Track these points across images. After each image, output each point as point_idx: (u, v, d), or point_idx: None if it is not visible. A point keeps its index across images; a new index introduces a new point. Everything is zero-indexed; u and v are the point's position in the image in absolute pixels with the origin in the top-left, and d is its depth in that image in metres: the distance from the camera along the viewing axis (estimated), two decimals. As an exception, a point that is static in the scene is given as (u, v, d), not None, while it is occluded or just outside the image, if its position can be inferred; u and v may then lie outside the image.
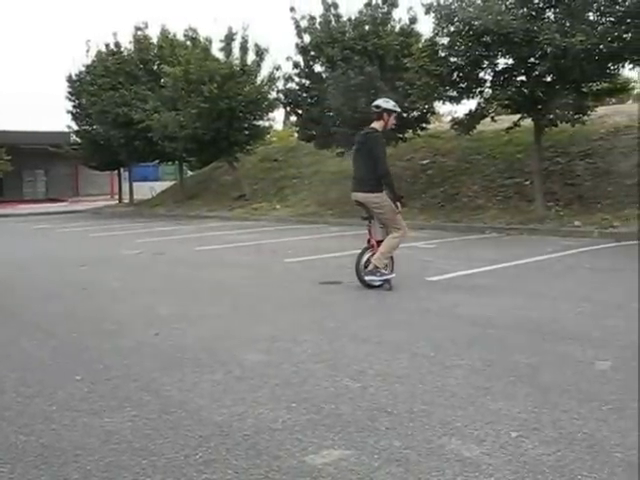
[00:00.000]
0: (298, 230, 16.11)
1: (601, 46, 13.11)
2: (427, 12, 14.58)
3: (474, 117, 15.50)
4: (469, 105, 66.61)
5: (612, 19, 13.12)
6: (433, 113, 19.63)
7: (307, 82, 19.64)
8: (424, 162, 20.07)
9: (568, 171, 16.31)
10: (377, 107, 7.64)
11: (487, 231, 14.30)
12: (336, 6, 18.70)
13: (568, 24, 13.23)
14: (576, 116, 14.65)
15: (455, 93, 15.38)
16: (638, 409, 3.41)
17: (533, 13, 13.82)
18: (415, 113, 18.30)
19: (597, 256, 10.20)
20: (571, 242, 11.75)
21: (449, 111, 49.81)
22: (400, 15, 18.92)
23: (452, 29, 14.40)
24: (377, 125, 7.60)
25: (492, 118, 15.56)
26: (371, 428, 3.35)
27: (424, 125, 18.90)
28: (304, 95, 19.78)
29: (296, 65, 19.48)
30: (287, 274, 8.99)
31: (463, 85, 15.15)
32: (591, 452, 3.02)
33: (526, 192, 16.04)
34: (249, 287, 7.96)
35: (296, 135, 23.19)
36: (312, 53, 19.02)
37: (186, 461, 3.03)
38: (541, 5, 14.13)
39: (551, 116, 14.69)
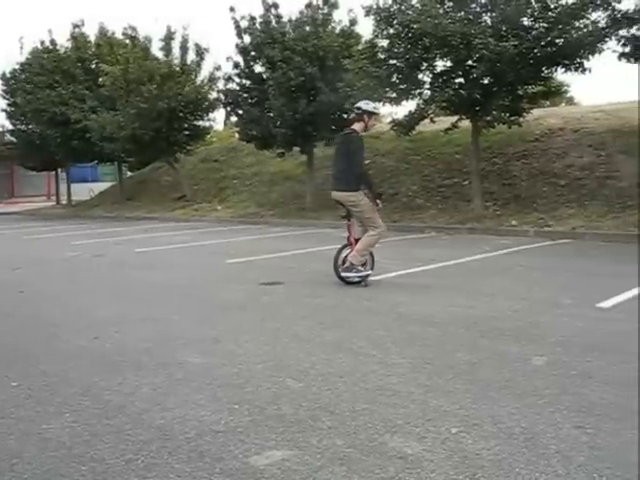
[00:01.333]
0: (239, 231, 16.06)
1: (535, 50, 13.48)
2: (367, 14, 14.71)
3: (413, 118, 15.70)
4: (409, 106, 67.43)
5: (545, 24, 13.48)
6: (373, 114, 19.75)
7: (247, 82, 19.56)
8: (364, 162, 20.16)
9: (505, 171, 16.66)
10: (358, 109, 7.83)
11: (427, 230, 14.49)
12: (276, 7, 18.68)
13: (504, 28, 13.54)
14: (512, 118, 15.03)
15: (395, 94, 15.54)
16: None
17: (470, 17, 14.08)
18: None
19: (533, 255, 10.45)
20: (508, 241, 12.00)
21: (389, 112, 50.28)
22: (340, 17, 18.94)
23: (391, 31, 14.56)
24: (357, 126, 7.79)
25: (431, 119, 15.79)
26: (314, 428, 3.37)
27: (364, 126, 19.01)
28: (244, 95, 19.70)
29: (236, 65, 19.37)
30: (228, 275, 8.94)
31: (402, 87, 15.31)
32: (528, 445, 3.10)
33: (464, 192, 16.31)
34: (190, 288, 7.89)
35: (237, 135, 23.09)
36: (252, 53, 18.95)
37: (127, 466, 2.99)
38: (478, 9, 14.42)
39: (488, 118, 15.02)
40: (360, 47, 16.57)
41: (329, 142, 19.03)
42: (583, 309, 6.12)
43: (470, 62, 14.10)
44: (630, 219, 12.90)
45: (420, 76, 15.29)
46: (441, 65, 15.07)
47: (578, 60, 13.90)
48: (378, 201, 7.66)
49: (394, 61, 14.77)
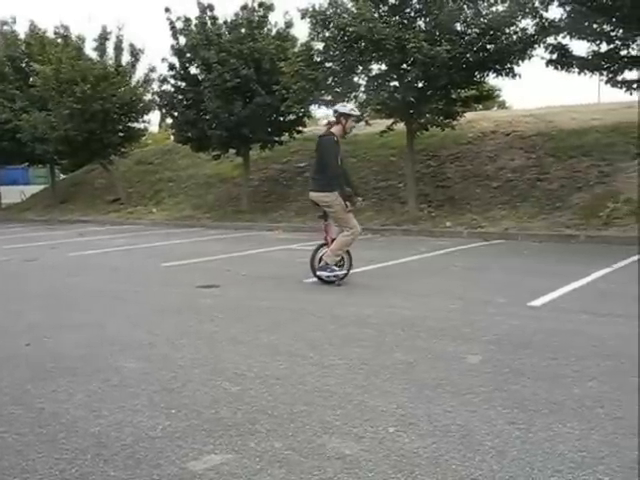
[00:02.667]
0: (175, 234, 15.89)
1: (468, 55, 13.76)
2: (303, 17, 14.76)
3: (349, 121, 15.77)
4: (344, 109, 67.47)
5: (477, 30, 13.79)
6: (309, 117, 19.85)
7: (183, 84, 19.37)
8: (300, 165, 20.26)
9: (439, 173, 16.94)
10: (335, 112, 7.99)
11: (363, 232, 14.57)
12: (212, 8, 18.57)
13: (437, 33, 13.78)
14: (446, 121, 15.30)
15: (330, 97, 15.63)
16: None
17: (405, 22, 14.30)
18: (291, 116, 18.44)
19: (467, 255, 10.65)
20: (443, 242, 12.20)
21: (325, 115, 50.47)
22: (276, 19, 18.95)
23: (327, 34, 14.65)
24: (335, 129, 7.90)
25: (366, 122, 15.93)
26: (252, 431, 3.36)
27: (300, 128, 19.09)
28: (180, 97, 19.50)
29: (171, 67, 19.17)
30: (164, 278, 8.84)
31: (338, 89, 15.42)
32: (464, 442, 3.16)
33: (400, 194, 16.52)
34: (125, 293, 7.76)
35: (172, 138, 22.85)
36: (188, 55, 18.77)
37: (61, 476, 2.92)
38: (412, 14, 14.64)
39: (422, 120, 15.24)
40: (296, 50, 16.61)
41: (265, 144, 19.04)
42: (515, 308, 6.27)
43: (404, 66, 14.31)
44: (559, 220, 13.30)
45: (355, 79, 15.44)
46: (376, 68, 15.29)
47: (508, 65, 14.32)
48: (347, 203, 7.69)
49: (330, 64, 14.89)
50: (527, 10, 13.39)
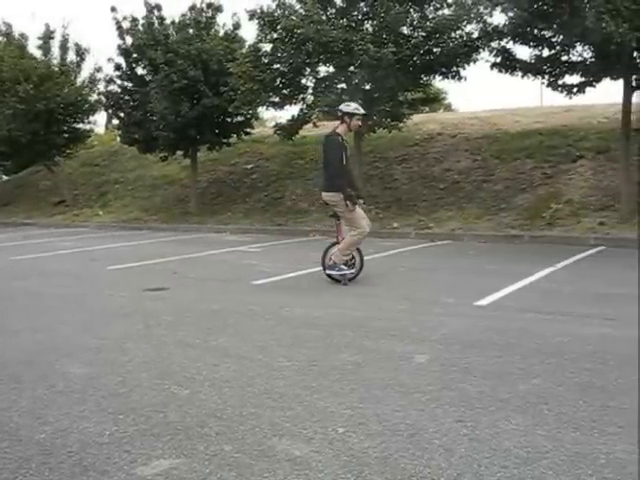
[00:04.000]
0: (122, 236, 15.67)
1: (414, 58, 13.93)
2: (251, 18, 14.73)
3: (297, 123, 15.83)
4: (292, 111, 67.77)
5: (423, 34, 13.98)
6: (257, 118, 19.81)
7: (129, 85, 19.14)
8: (248, 166, 20.20)
9: (387, 175, 17.08)
10: (340, 111, 8.01)
11: (311, 234, 14.64)
12: (159, 8, 18.37)
13: (384, 36, 13.91)
14: (393, 123, 15.42)
15: (278, 99, 15.64)
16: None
17: (352, 24, 14.40)
18: (239, 118, 18.38)
19: (415, 256, 10.76)
20: (391, 243, 12.30)
21: (273, 116, 50.39)
22: (224, 20, 18.82)
23: (275, 36, 14.65)
24: (340, 129, 7.95)
25: (314, 124, 15.96)
26: (201, 434, 3.34)
27: (248, 130, 19.03)
28: (126, 98, 19.26)
29: (118, 67, 18.91)
30: (111, 282, 8.71)
31: (286, 91, 15.43)
32: (412, 441, 3.19)
33: (348, 196, 16.55)
34: (71, 297, 7.63)
35: (119, 139, 22.50)
36: (134, 55, 18.54)
37: (5, 485, 2.87)
38: (359, 17, 14.76)
39: (370, 122, 15.32)
40: (244, 51, 16.54)
41: (213, 146, 18.93)
42: (462, 308, 6.36)
43: (352, 68, 14.40)
44: (504, 220, 13.54)
45: (303, 81, 15.47)
46: (324, 70, 15.34)
47: (454, 68, 14.53)
48: (348, 202, 7.68)
49: (278, 65, 14.88)
50: (472, 15, 13.66)
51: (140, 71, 18.84)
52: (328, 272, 7.93)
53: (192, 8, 18.38)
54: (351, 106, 8.00)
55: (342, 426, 3.40)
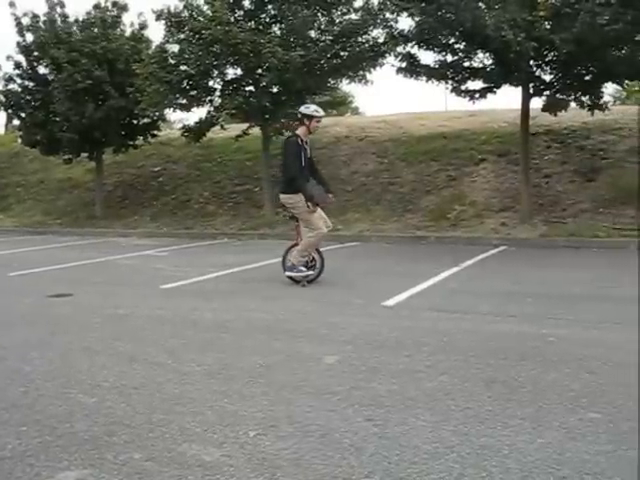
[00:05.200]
0: (24, 241, 15.14)
1: (322, 61, 14.04)
2: (157, 19, 14.53)
3: (204, 125, 15.69)
4: (200, 113, 67.13)
5: (331, 37, 14.11)
6: (164, 120, 19.52)
7: (31, 84, 18.45)
8: (155, 169, 19.89)
9: (295, 178, 17.09)
10: (300, 113, 8.03)
11: (219, 237, 14.55)
12: (62, 5, 17.81)
13: (292, 39, 13.98)
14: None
15: (185, 101, 15.46)
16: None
17: (260, 27, 14.40)
18: (146, 120, 18.06)
19: (323, 258, 10.82)
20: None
21: (180, 118, 49.83)
22: (131, 19, 18.43)
23: (182, 37, 14.49)
24: (300, 131, 7.97)
25: (222, 126, 15.86)
26: (109, 443, 3.26)
27: (155, 132, 18.72)
28: (28, 98, 18.53)
29: (18, 65, 18.18)
30: (13, 288, 8.40)
31: (193, 93, 15.27)
32: (324, 441, 3.21)
33: (256, 198, 16.56)
34: (-33, 304, 7.31)
35: (20, 140, 21.67)
36: (36, 53, 17.89)
37: None
38: (267, 20, 14.78)
39: (277, 125, 15.36)
40: (150, 51, 16.25)
41: (119, 148, 18.52)
42: (370, 308, 6.45)
43: (260, 70, 14.41)
44: (410, 222, 13.83)
45: (211, 83, 15.36)
46: (232, 73, 15.28)
47: (361, 72, 14.72)
48: (309, 204, 7.64)
49: (185, 67, 14.69)
50: (378, 20, 13.88)
51: (42, 70, 18.20)
52: (287, 274, 7.94)
53: (97, 6, 17.91)
54: (310, 108, 8.05)
55: (253, 429, 3.38)
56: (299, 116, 8.16)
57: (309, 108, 8.05)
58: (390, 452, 3.07)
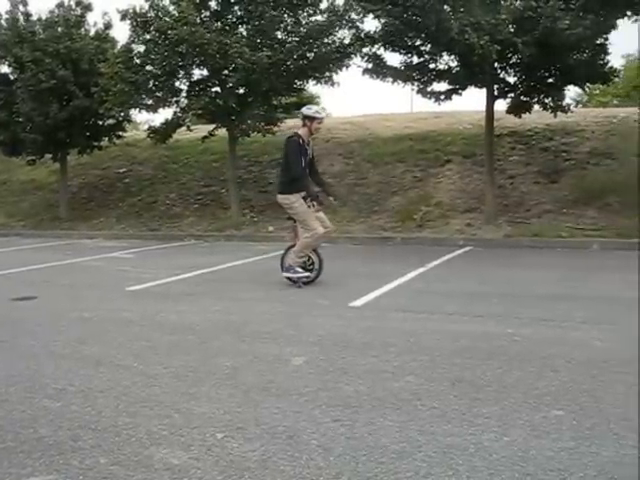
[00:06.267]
0: (-16, 243, 14.89)
1: (288, 62, 14.05)
2: (123, 18, 14.39)
3: (170, 126, 15.59)
4: (166, 114, 66.66)
5: (297, 39, 14.12)
6: (129, 121, 19.35)
7: (-7, 84, 18.19)
8: (121, 171, 19.72)
9: (261, 179, 17.11)
10: (301, 114, 8.03)
11: (186, 239, 14.47)
12: (25, 3, 17.55)
13: (259, 40, 13.97)
14: (267, 127, 15.49)
15: (151, 102, 15.35)
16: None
17: (227, 28, 14.36)
18: (111, 121, 17.88)
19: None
20: (266, 247, 12.35)
21: (146, 119, 49.45)
22: (95, 19, 18.23)
23: (148, 37, 14.38)
24: (302, 131, 7.88)
25: (188, 127, 15.78)
26: (75, 448, 3.22)
27: (120, 133, 18.54)
28: (-11, 98, 18.29)
29: (-21, 64, 17.94)
30: (-27, 291, 8.26)
31: (159, 94, 15.17)
32: (291, 443, 3.21)
33: (223, 200, 16.51)
34: None
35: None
36: (-2, 52, 17.65)
37: None
38: (234, 20, 14.74)
39: (244, 126, 15.33)
40: (116, 51, 16.08)
41: (83, 149, 18.31)
42: (337, 309, 6.47)
43: (226, 71, 14.37)
44: (377, 223, 13.89)
45: (177, 84, 15.27)
46: (198, 73, 15.22)
47: (327, 74, 14.76)
48: (313, 203, 7.67)
49: (150, 67, 14.59)
50: (344, 22, 13.93)
51: (4, 69, 17.96)
52: (285, 274, 7.95)
53: (60, 5, 17.67)
54: (312, 109, 8.05)
55: (221, 431, 3.38)
56: (300, 117, 8.16)
57: (311, 109, 8.06)
58: (358, 452, 3.08)
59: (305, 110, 8.10)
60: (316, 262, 8.04)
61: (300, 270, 7.88)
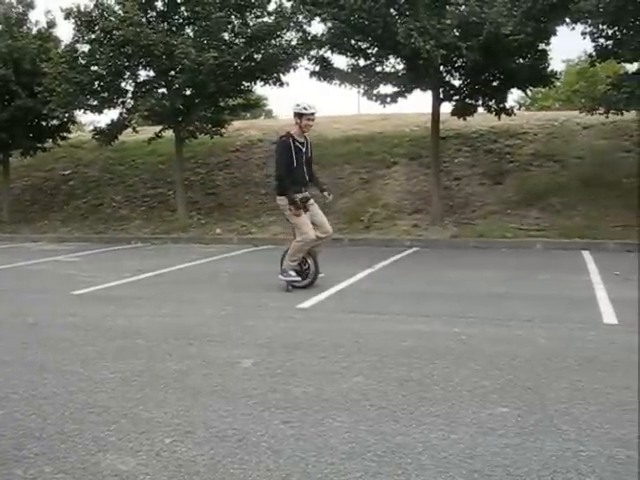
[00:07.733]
0: None
1: (235, 64, 14.01)
2: (67, 17, 14.17)
3: (116, 127, 15.40)
4: (111, 115, 65.80)
5: (244, 40, 14.11)
6: (74, 122, 19.01)
7: None
8: (65, 172, 19.37)
9: (208, 181, 17.02)
10: (293, 113, 7.65)
11: (133, 241, 14.29)
12: (-38, 0, 17.13)
13: (205, 41, 13.90)
14: (214, 129, 15.44)
15: (96, 102, 15.12)
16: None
17: (173, 28, 14.26)
18: (55, 121, 17.53)
19: (238, 261, 10.81)
20: (213, 249, 12.28)
21: (91, 120, 48.67)
22: (38, 17, 17.85)
23: (93, 37, 14.19)
24: (293, 130, 7.66)
25: (134, 129, 15.59)
26: (18, 457, 3.15)
27: (65, 134, 18.18)
28: None
29: None
30: None
31: (105, 94, 14.97)
32: (241, 445, 3.21)
33: (169, 202, 16.37)
34: None
35: None
36: None
37: None
38: (181, 21, 14.65)
39: (191, 128, 15.24)
40: (60, 51, 15.77)
41: (27, 150, 17.91)
42: (286, 311, 6.47)
43: (173, 72, 14.26)
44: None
45: (123, 84, 15.11)
46: (144, 74, 15.08)
47: (275, 75, 14.77)
48: (291, 207, 7.39)
49: (96, 68, 14.38)
50: (292, 24, 13.95)
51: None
52: (279, 277, 7.71)
53: (0, 2, 17.27)
54: (299, 105, 7.65)
55: (169, 436, 3.35)
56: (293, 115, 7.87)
57: (298, 106, 7.66)
58: (307, 454, 3.10)
59: (294, 107, 7.80)
60: (312, 268, 7.85)
61: (292, 274, 7.69)
